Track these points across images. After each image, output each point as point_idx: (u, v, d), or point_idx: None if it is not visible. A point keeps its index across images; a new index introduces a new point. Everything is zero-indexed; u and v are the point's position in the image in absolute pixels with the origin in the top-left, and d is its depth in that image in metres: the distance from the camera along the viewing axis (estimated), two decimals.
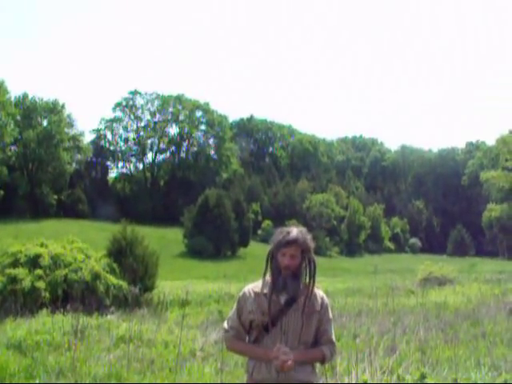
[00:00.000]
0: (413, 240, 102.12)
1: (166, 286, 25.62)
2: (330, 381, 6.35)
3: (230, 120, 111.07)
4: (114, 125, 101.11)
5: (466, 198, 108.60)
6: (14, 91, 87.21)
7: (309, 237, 3.46)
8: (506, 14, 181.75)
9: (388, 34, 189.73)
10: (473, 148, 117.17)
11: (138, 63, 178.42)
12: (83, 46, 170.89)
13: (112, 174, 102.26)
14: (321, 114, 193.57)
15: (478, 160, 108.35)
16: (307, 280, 3.46)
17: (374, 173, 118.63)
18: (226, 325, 3.61)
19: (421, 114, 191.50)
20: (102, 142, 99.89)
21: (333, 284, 32.20)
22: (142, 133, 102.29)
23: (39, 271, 17.81)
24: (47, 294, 17.27)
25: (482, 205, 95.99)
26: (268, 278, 3.47)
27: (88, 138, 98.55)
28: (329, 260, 75.17)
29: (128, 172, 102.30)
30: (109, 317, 15.15)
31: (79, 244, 20.37)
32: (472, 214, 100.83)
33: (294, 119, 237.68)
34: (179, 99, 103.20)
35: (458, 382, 6.51)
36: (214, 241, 69.08)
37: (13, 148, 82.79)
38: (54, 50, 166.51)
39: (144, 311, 17.11)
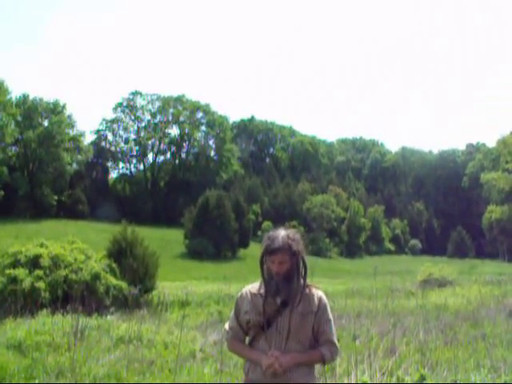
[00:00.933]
0: (413, 241, 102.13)
1: (166, 287, 25.62)
2: (329, 381, 6.35)
3: (231, 121, 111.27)
4: (115, 125, 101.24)
5: (466, 200, 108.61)
6: (15, 91, 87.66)
7: (297, 239, 3.42)
8: (505, 15, 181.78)
9: (389, 35, 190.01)
10: (473, 149, 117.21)
11: (139, 64, 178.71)
12: (84, 46, 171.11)
13: (112, 174, 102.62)
14: (321, 115, 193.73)
15: (479, 161, 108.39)
16: (298, 281, 3.44)
17: (375, 174, 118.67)
18: (226, 326, 3.64)
19: (421, 115, 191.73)
20: (103, 143, 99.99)
21: (333, 285, 32.20)
22: (142, 133, 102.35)
23: (39, 272, 17.80)
24: (47, 295, 17.27)
25: (482, 206, 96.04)
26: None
27: (89, 138, 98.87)
28: (329, 261, 75.21)
29: (128, 173, 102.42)
30: (109, 317, 15.15)
31: (79, 244, 20.36)
32: (472, 216, 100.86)
33: (294, 120, 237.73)
34: (180, 100, 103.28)
35: (458, 383, 6.51)
36: (214, 242, 69.11)
37: (13, 148, 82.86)
38: (56, 50, 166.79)
39: (144, 312, 17.09)
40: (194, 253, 67.25)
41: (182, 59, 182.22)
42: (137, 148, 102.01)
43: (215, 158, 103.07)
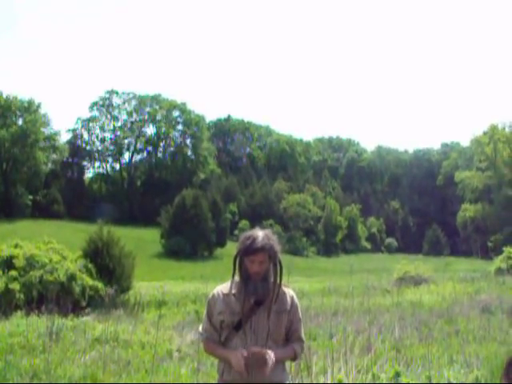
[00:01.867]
0: (389, 240, 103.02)
1: (143, 287, 25.51)
2: (305, 380, 6.40)
3: (207, 120, 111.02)
4: (91, 124, 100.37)
5: (441, 198, 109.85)
6: None
7: (275, 240, 3.44)
8: (481, 15, 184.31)
9: (364, 35, 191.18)
10: (448, 149, 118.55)
11: (115, 62, 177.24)
12: (60, 44, 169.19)
13: (88, 174, 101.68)
14: (298, 114, 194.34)
15: (453, 160, 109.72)
16: (275, 280, 3.46)
17: (351, 173, 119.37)
18: (200, 328, 3.64)
19: (397, 114, 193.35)
20: (79, 142, 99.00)
21: (309, 284, 32.36)
22: (118, 133, 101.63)
23: (13, 272, 17.61)
24: (22, 296, 17.09)
25: (456, 205, 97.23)
26: (237, 278, 3.48)
27: (64, 137, 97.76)
28: (306, 260, 75.52)
29: (104, 172, 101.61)
30: (84, 318, 15.06)
31: (55, 245, 20.18)
32: (447, 214, 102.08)
33: (271, 119, 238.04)
34: (156, 99, 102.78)
35: (431, 379, 6.61)
36: (190, 241, 68.95)
37: None
38: (30, 48, 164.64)
39: (120, 312, 17.00)
40: (171, 252, 67.02)
41: (158, 58, 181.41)
42: (113, 147, 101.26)
43: (192, 157, 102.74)
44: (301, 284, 30.29)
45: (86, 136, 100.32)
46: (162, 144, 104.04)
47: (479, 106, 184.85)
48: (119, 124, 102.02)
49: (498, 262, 33.75)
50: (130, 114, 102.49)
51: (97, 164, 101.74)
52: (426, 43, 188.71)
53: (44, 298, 16.61)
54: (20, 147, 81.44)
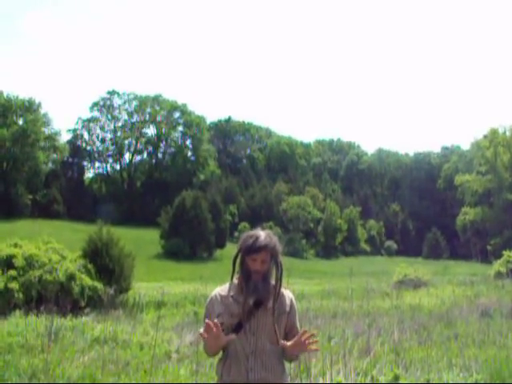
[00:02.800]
0: (388, 242, 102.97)
1: (142, 288, 25.50)
2: (304, 381, 6.39)
3: (208, 121, 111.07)
4: (91, 125, 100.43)
5: (441, 202, 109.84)
6: None
7: (276, 240, 3.45)
8: (479, 19, 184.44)
9: (366, 38, 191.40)
10: (448, 152, 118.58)
11: (116, 63, 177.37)
12: (60, 43, 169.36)
13: (88, 174, 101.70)
14: (298, 116, 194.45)
15: (453, 164, 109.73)
16: (274, 282, 3.46)
17: (351, 175, 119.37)
18: (201, 330, 3.62)
19: (398, 117, 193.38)
20: (79, 142, 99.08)
21: (309, 286, 32.36)
22: (119, 133, 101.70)
23: (13, 272, 17.60)
24: (21, 295, 17.08)
25: (456, 208, 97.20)
26: (235, 280, 3.48)
27: (64, 137, 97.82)
28: (305, 262, 75.46)
29: (104, 172, 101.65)
30: (83, 318, 15.04)
31: (54, 244, 20.16)
32: (447, 218, 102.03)
33: (271, 121, 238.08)
34: (157, 100, 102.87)
35: (430, 382, 6.60)
36: (190, 242, 68.95)
37: None
38: (31, 48, 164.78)
39: (119, 312, 17.00)
40: (170, 253, 67.02)
41: (159, 58, 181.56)
42: (113, 147, 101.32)
43: (192, 158, 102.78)
44: (300, 286, 30.27)
45: (86, 136, 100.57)
46: (162, 145, 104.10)
47: (480, 109, 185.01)
48: (120, 124, 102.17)
49: (498, 265, 33.74)
50: (130, 114, 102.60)
51: (97, 164, 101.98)
52: (427, 46, 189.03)
53: (43, 297, 16.63)
54: (20, 147, 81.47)
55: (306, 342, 3.28)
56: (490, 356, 8.62)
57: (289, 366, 6.28)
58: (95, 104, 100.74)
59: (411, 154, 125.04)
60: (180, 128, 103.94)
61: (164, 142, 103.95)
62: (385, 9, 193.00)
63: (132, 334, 12.24)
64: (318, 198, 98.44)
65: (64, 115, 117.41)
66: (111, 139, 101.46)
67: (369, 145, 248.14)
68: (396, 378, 6.31)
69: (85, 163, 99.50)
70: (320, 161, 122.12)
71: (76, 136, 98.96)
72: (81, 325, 13.28)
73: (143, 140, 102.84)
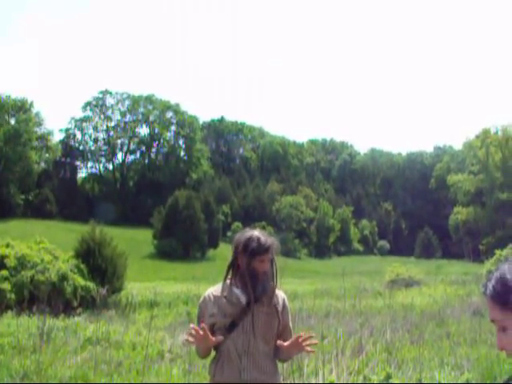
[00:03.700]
0: (381, 242, 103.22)
1: (135, 288, 25.47)
2: (297, 381, 6.40)
3: (201, 121, 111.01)
4: (84, 124, 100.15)
5: (433, 201, 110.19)
6: None
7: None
8: (470, 20, 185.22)
9: (359, 38, 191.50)
10: (440, 152, 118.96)
11: (109, 62, 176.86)
12: (53, 43, 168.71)
13: (81, 174, 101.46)
14: (291, 116, 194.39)
15: (446, 164, 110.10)
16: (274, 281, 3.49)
17: (344, 175, 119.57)
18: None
19: (391, 117, 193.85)
20: (72, 142, 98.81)
21: (302, 286, 32.39)
22: (111, 133, 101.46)
23: (5, 272, 17.55)
24: (13, 296, 17.03)
25: (448, 208, 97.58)
26: (228, 281, 3.49)
27: (57, 137, 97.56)
28: (298, 262, 75.56)
29: (97, 172, 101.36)
30: (76, 318, 15.01)
31: (46, 244, 20.12)
32: (439, 217, 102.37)
33: (264, 121, 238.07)
34: (150, 99, 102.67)
35: (422, 381, 6.63)
36: (183, 242, 68.87)
37: None
38: (24, 47, 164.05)
39: (112, 312, 16.98)
40: (163, 253, 66.93)
41: (152, 58, 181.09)
42: (106, 147, 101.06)
43: (185, 158, 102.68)
44: (293, 286, 30.31)
45: (79, 136, 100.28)
46: (155, 144, 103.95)
47: (472, 109, 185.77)
48: (112, 124, 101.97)
49: (489, 264, 33.83)
50: (123, 114, 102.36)
51: (90, 164, 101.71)
52: (420, 46, 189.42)
53: (35, 298, 16.57)
54: (12, 146, 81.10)
55: (303, 343, 3.30)
56: (482, 355, 8.66)
57: (281, 366, 6.30)
58: (88, 103, 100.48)
59: (404, 153, 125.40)
60: (173, 128, 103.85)
61: (157, 142, 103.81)
62: (376, 12, 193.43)
63: (125, 334, 12.23)
64: (311, 198, 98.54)
65: (56, 115, 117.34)
66: (104, 139, 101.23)
67: (362, 145, 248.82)
68: (388, 377, 6.34)
69: (77, 163, 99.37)
70: (313, 161, 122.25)
71: (68, 136, 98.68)
72: (73, 325, 13.25)
73: (136, 140, 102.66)
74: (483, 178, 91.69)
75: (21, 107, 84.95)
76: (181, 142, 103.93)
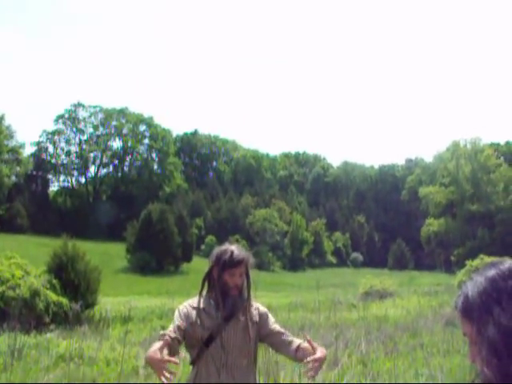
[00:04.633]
0: (354, 254, 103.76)
1: (108, 302, 25.17)
2: None
3: (174, 134, 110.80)
4: (56, 137, 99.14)
5: (405, 213, 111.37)
6: None
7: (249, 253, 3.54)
8: (443, 29, 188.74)
9: (330, 51, 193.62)
10: (412, 164, 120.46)
11: (82, 75, 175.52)
12: (25, 55, 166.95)
13: (53, 187, 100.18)
14: (265, 129, 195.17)
15: (417, 176, 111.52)
16: (248, 294, 3.49)
17: (317, 188, 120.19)
18: (161, 331, 3.46)
19: (363, 130, 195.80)
20: (43, 155, 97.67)
21: (276, 299, 32.34)
22: (84, 146, 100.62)
23: None
24: None
25: (420, 219, 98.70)
26: (204, 293, 3.49)
27: (28, 150, 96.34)
28: (272, 275, 75.48)
29: (70, 186, 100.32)
30: (48, 335, 14.77)
31: (18, 260, 19.75)
32: (411, 229, 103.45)
33: (237, 134, 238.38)
34: (123, 112, 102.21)
35: None
36: (156, 256, 68.34)
37: None
38: None
39: (85, 328, 16.73)
40: (137, 267, 66.32)
41: (125, 71, 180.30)
42: (78, 161, 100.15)
43: (158, 171, 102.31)
44: (267, 299, 30.25)
45: (51, 149, 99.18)
46: (128, 158, 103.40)
47: (443, 122, 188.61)
48: (85, 137, 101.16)
49: (461, 275, 34.25)
50: (96, 127, 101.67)
51: (62, 178, 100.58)
52: (392, 61, 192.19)
53: (6, 314, 16.25)
54: None
55: (309, 374, 3.18)
56: (455, 365, 8.77)
57: (257, 378, 6.30)
58: (60, 116, 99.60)
59: (376, 166, 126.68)
60: (146, 141, 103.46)
61: (130, 155, 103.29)
62: (350, 29, 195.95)
63: (98, 350, 12.07)
64: (285, 211, 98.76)
65: (28, 128, 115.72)
66: (76, 152, 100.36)
67: (335, 157, 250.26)
68: None
69: (49, 176, 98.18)
70: (286, 174, 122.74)
71: (40, 149, 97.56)
72: (45, 342, 13.03)
73: (109, 153, 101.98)
74: (454, 189, 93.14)
75: None
76: (154, 155, 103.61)
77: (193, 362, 3.48)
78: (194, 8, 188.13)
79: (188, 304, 3.53)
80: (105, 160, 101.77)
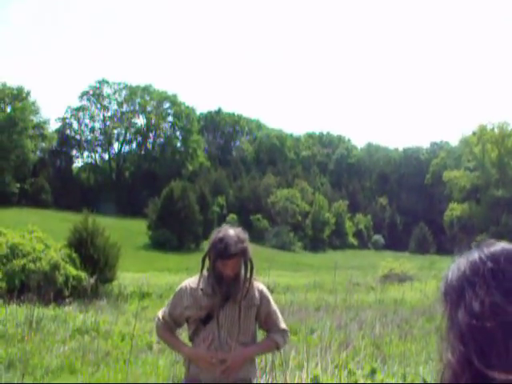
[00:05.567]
0: (376, 237, 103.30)
1: (128, 278, 25.44)
2: (279, 377, 6.38)
3: (198, 112, 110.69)
4: (80, 114, 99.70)
5: (428, 197, 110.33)
6: None
7: (246, 240, 3.39)
8: (467, 17, 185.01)
9: (357, 33, 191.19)
10: (437, 148, 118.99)
11: (107, 52, 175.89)
12: (50, 32, 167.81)
13: (77, 163, 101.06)
14: (289, 109, 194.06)
15: (442, 160, 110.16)
16: (245, 277, 3.41)
17: (340, 169, 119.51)
18: (159, 313, 3.61)
19: (388, 112, 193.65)
20: (68, 131, 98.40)
21: (295, 279, 32.46)
22: (108, 123, 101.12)
23: None
24: (4, 285, 16.98)
25: (444, 204, 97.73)
26: (205, 273, 3.45)
27: (53, 126, 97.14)
28: (292, 255, 75.65)
29: (93, 162, 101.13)
30: (66, 308, 14.99)
31: (39, 233, 20.03)
32: (434, 213, 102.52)
33: (261, 114, 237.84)
34: (147, 90, 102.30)
35: (407, 376, 6.63)
36: (177, 233, 68.82)
37: None
38: (21, 35, 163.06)
39: (103, 302, 16.97)
40: (158, 244, 66.90)
41: (150, 48, 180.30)
42: (102, 137, 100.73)
43: (181, 149, 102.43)
44: (286, 279, 30.36)
45: (75, 125, 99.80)
46: (151, 135, 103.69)
47: (469, 106, 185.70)
48: (109, 114, 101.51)
49: None
50: (120, 104, 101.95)
51: (85, 154, 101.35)
52: (418, 43, 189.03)
53: (26, 287, 16.52)
54: (8, 135, 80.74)
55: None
56: None
57: (266, 359, 6.30)
58: (85, 93, 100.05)
59: (400, 149, 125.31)
60: (169, 119, 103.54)
61: (153, 133, 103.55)
62: (376, 6, 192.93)
63: (114, 324, 12.22)
64: (307, 192, 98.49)
65: (53, 104, 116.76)
66: (100, 129, 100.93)
67: (359, 139, 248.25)
68: (373, 371, 6.34)
69: (73, 152, 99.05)
70: (309, 154, 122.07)
71: (65, 125, 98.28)
72: (63, 314, 13.23)
73: (132, 130, 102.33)
74: (479, 174, 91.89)
75: (17, 95, 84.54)
76: (177, 133, 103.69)
77: (191, 338, 3.49)
78: None
79: (188, 284, 3.52)
80: (128, 137, 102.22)
